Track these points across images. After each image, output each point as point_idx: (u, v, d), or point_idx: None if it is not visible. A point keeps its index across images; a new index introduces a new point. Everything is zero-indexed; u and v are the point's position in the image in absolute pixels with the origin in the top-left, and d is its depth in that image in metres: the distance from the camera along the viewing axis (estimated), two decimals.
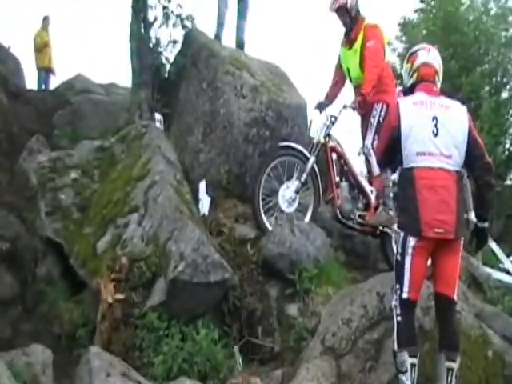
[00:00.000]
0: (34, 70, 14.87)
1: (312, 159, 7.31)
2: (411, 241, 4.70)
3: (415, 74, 5.24)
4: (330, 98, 7.87)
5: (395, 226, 6.52)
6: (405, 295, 4.71)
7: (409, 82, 5.32)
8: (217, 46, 9.21)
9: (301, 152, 7.41)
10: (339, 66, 7.85)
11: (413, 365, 4.59)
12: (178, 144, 8.37)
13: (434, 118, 4.85)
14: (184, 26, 9.85)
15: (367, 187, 7.47)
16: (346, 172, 7.55)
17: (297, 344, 6.04)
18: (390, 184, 6.76)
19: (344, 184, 7.45)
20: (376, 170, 7.03)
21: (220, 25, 9.78)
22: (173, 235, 6.20)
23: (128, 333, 5.69)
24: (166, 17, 9.82)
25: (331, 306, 5.83)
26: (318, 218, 7.67)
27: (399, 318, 4.72)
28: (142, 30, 9.75)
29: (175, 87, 9.31)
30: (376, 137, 7.25)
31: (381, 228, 7.38)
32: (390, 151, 5.01)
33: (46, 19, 15.18)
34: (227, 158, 8.07)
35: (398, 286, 4.77)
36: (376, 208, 7.18)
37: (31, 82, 14.43)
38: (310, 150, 7.37)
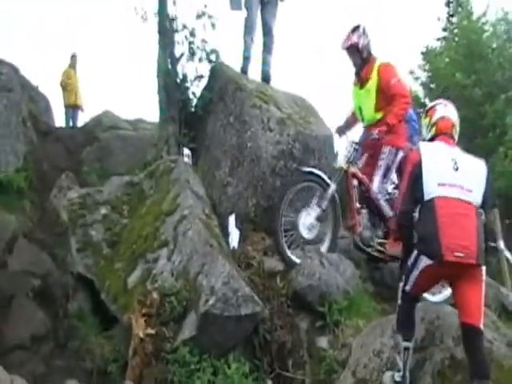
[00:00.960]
0: (62, 107, 15.20)
1: (333, 186, 7.27)
2: (425, 260, 4.88)
3: (434, 128, 5.52)
4: (350, 123, 8.00)
5: None
6: (407, 288, 5.11)
7: (428, 136, 5.57)
8: (243, 80, 9.30)
9: (322, 178, 7.39)
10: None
11: (406, 348, 5.00)
12: (205, 178, 8.47)
13: (453, 160, 5.09)
14: (210, 61, 9.97)
15: (388, 213, 7.39)
16: (367, 198, 7.49)
17: (328, 376, 6.05)
18: None
19: (364, 211, 7.45)
20: (388, 212, 7.29)
21: (246, 58, 9.85)
22: (203, 269, 6.28)
23: (159, 367, 5.76)
24: (192, 52, 9.96)
25: (362, 337, 5.86)
26: (336, 248, 7.63)
27: (400, 303, 5.19)
28: (169, 66, 9.90)
29: (202, 121, 9.41)
30: (384, 180, 7.40)
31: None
32: (413, 194, 5.14)
33: (73, 57, 15.55)
34: (255, 190, 8.11)
35: (403, 279, 5.17)
36: (397, 238, 6.95)
37: (60, 119, 14.74)
38: (330, 176, 7.35)
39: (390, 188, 7.48)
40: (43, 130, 10.46)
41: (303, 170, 7.65)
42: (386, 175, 7.40)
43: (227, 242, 7.15)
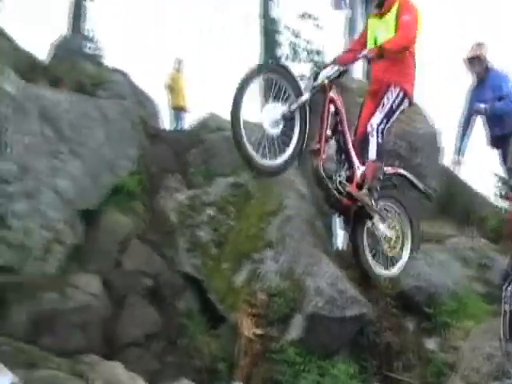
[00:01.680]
0: (168, 109, 15.58)
1: (306, 95, 6.25)
2: None
3: None
4: (339, 61, 6.83)
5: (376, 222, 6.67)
6: None
7: None
8: (347, 80, 9.29)
9: (296, 82, 6.36)
10: (362, 35, 7.23)
11: None
12: (309, 179, 8.47)
13: None
14: (313, 61, 10.00)
15: (356, 160, 6.66)
16: (339, 132, 6.65)
17: (436, 379, 5.98)
18: (381, 176, 6.67)
19: (333, 142, 6.65)
20: (373, 154, 6.62)
21: None
22: (308, 270, 6.32)
23: (266, 367, 5.85)
24: (295, 52, 10.02)
25: (472, 340, 5.75)
26: (295, 160, 6.62)
27: (507, 308, 4.94)
28: None
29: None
30: (385, 120, 6.71)
31: (359, 205, 6.58)
32: None
33: (179, 62, 15.92)
34: None
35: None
36: (357, 187, 6.53)
37: (166, 121, 15.09)
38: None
39: (386, 128, 6.76)
40: (152, 134, 10.72)
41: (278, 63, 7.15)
42: (387, 116, 6.73)
43: (332, 243, 7.14)
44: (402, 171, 7.16)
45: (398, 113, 6.87)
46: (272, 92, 6.29)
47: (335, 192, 6.48)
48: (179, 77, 15.68)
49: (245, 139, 6.05)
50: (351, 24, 9.61)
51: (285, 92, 6.29)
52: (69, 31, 13.71)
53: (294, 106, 6.19)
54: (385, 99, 6.75)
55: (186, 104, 15.59)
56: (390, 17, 6.79)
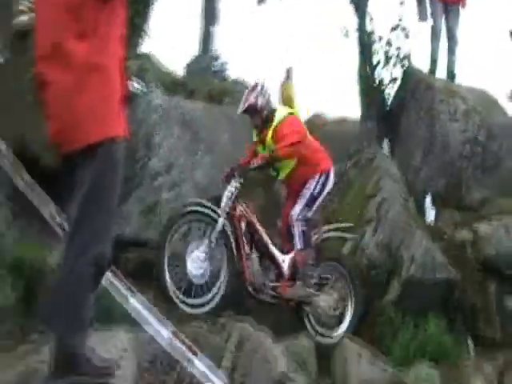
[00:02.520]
0: None
1: (220, 221, 5.45)
2: None
3: None
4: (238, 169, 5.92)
5: (314, 303, 5.67)
6: None
7: None
8: (431, 79, 9.16)
9: (208, 215, 5.58)
10: (254, 143, 6.26)
11: None
12: (401, 166, 8.35)
13: None
14: (402, 65, 9.82)
15: (279, 257, 5.75)
16: (257, 241, 5.74)
17: None
18: (312, 262, 5.71)
19: (254, 256, 5.69)
20: (300, 243, 5.68)
21: (433, 61, 9.72)
22: (403, 243, 6.23)
23: (369, 324, 5.81)
24: (387, 59, 9.86)
25: None
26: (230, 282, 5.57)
27: None
28: (368, 72, 9.89)
29: (397, 118, 9.29)
30: (306, 208, 5.77)
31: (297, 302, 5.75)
32: None
33: (288, 71, 15.81)
34: (445, 173, 7.95)
35: None
36: (289, 279, 5.67)
37: None
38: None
39: (309, 215, 5.85)
40: None
41: (187, 209, 5.72)
42: (308, 204, 5.81)
43: (422, 219, 6.99)
44: (324, 236, 6.07)
45: (324, 195, 5.95)
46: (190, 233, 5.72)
47: (270, 299, 5.63)
48: (288, 84, 15.62)
49: (167, 278, 5.32)
50: (433, 31, 9.50)
51: (204, 231, 5.58)
52: (199, 52, 13.95)
53: (213, 238, 5.41)
54: (304, 191, 5.84)
55: (295, 107, 15.53)
56: (268, 138, 5.88)
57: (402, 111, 9.23)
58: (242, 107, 6.04)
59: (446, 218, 7.32)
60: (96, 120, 2.99)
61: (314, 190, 5.81)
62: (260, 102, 5.92)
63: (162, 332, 3.75)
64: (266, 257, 5.75)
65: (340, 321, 5.77)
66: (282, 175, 6.00)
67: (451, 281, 5.83)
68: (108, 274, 4.05)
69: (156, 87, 7.67)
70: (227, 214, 5.55)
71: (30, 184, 4.76)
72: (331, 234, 6.16)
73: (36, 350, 3.58)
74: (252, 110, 5.97)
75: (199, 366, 3.67)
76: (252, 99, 5.93)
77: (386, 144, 8.44)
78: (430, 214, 6.98)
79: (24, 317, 4.25)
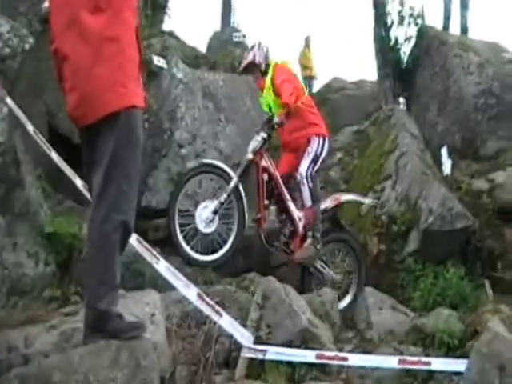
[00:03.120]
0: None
1: (235, 179, 5.46)
2: None
3: None
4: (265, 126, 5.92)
5: (318, 264, 5.61)
6: None
7: None
8: (445, 36, 9.00)
9: (224, 171, 5.64)
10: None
11: None
12: (418, 120, 8.21)
13: None
14: (416, 24, 9.61)
15: (295, 213, 5.66)
16: (276, 195, 5.70)
17: None
18: (320, 216, 5.60)
19: (273, 208, 5.66)
20: (308, 200, 5.59)
21: (446, 18, 9.51)
22: (421, 194, 6.13)
23: (391, 275, 5.82)
24: (401, 19, 9.67)
25: None
26: (239, 241, 5.64)
27: None
28: (383, 33, 9.72)
29: (412, 75, 9.17)
30: (312, 165, 5.64)
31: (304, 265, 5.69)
32: None
33: (307, 39, 15.63)
34: (460, 126, 7.73)
35: None
36: (302, 238, 5.61)
37: None
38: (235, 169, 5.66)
39: (314, 173, 5.72)
40: None
41: (203, 162, 5.94)
42: (314, 161, 5.67)
43: (440, 171, 6.87)
44: (343, 199, 5.99)
45: (323, 157, 5.78)
46: (203, 192, 5.75)
47: (284, 254, 5.66)
48: (308, 51, 15.43)
49: (178, 232, 5.39)
50: None
51: (218, 188, 5.66)
52: (221, 26, 13.86)
53: (224, 197, 5.43)
54: (308, 149, 5.70)
55: (314, 73, 15.35)
56: (267, 82, 5.90)
57: (417, 68, 9.10)
58: (242, 66, 6.18)
59: (463, 168, 7.16)
60: (113, 90, 2.97)
61: (317, 150, 5.70)
62: (258, 56, 5.96)
63: (188, 295, 3.79)
64: (283, 211, 5.71)
65: (343, 294, 5.63)
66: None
67: (469, 229, 5.70)
68: (134, 243, 4.12)
69: (178, 62, 7.62)
70: (251, 161, 5.57)
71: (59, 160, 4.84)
72: (350, 197, 6.08)
73: (76, 311, 3.65)
74: (252, 67, 6.03)
75: (224, 324, 3.72)
76: (250, 57, 6.01)
77: (402, 101, 8.30)
78: (447, 166, 6.84)
79: (63, 283, 4.35)
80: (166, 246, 5.97)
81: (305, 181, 5.59)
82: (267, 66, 5.95)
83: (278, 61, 6.01)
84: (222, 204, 5.46)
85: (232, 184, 5.47)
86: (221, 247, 5.50)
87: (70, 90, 3.05)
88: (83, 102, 2.99)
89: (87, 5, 2.94)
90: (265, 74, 5.95)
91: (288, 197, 5.68)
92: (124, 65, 3.01)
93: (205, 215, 5.44)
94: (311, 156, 5.68)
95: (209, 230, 5.46)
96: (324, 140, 5.75)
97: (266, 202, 5.61)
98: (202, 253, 5.43)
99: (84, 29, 2.94)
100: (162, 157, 6.80)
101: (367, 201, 6.22)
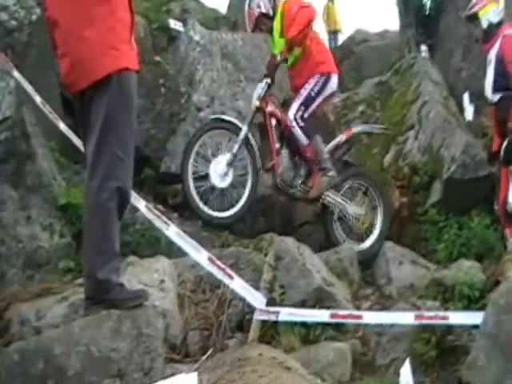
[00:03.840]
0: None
1: (244, 129, 5.33)
2: None
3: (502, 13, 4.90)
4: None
5: (338, 198, 5.37)
6: None
7: (496, 19, 4.91)
8: None
9: (232, 123, 5.51)
10: None
11: None
12: (441, 67, 7.77)
13: None
14: None
15: (304, 143, 5.41)
16: (287, 138, 5.50)
17: None
18: (323, 147, 5.34)
19: (285, 151, 5.48)
20: (303, 139, 5.33)
21: None
22: (444, 143, 5.84)
23: (414, 227, 5.59)
24: None
25: None
26: (256, 192, 5.50)
27: None
28: None
29: (435, 21, 8.66)
30: (302, 108, 5.35)
31: (322, 200, 5.41)
32: None
33: None
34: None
35: None
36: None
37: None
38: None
39: (306, 115, 5.40)
40: None
41: (211, 118, 5.84)
42: (305, 103, 5.38)
43: (464, 118, 6.51)
44: (354, 130, 5.80)
45: (321, 97, 5.47)
46: (214, 149, 5.49)
47: (301, 195, 5.45)
48: (331, 5, 14.92)
49: (193, 192, 5.25)
50: None
51: (228, 140, 5.46)
52: None
53: (235, 149, 5.29)
54: (302, 90, 5.45)
55: (338, 27, 14.87)
56: (277, 20, 5.56)
57: (440, 14, 8.59)
58: (250, 26, 5.94)
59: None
60: (105, 53, 2.83)
61: (312, 90, 5.41)
62: (263, 5, 5.67)
63: (199, 259, 3.67)
64: (296, 153, 5.52)
65: (368, 234, 5.44)
66: (289, 63, 5.68)
67: (493, 176, 5.39)
68: (143, 209, 4.00)
69: (195, 24, 7.39)
70: (258, 109, 5.43)
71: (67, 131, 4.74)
72: (360, 128, 5.94)
73: None
74: (261, 19, 5.73)
75: (235, 287, 3.59)
76: (256, 10, 5.71)
77: (424, 48, 7.87)
78: (469, 112, 6.46)
79: (79, 254, 4.28)
80: (186, 210, 5.89)
81: (294, 123, 5.36)
82: (275, 9, 5.63)
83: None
84: (235, 155, 5.33)
85: (242, 134, 5.32)
86: (237, 202, 5.36)
87: (62, 56, 2.93)
88: (75, 67, 2.86)
89: None
90: (272, 22, 5.64)
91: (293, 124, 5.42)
92: (115, 27, 2.87)
93: (219, 169, 5.31)
94: (302, 97, 5.41)
95: (224, 184, 5.34)
96: (328, 77, 5.45)
97: (278, 145, 5.45)
98: (219, 210, 5.31)
99: None
100: (180, 121, 6.64)
101: (376, 130, 6.05)
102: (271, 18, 5.68)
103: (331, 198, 5.44)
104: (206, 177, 5.35)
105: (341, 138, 5.68)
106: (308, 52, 5.50)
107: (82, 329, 2.73)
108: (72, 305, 3.27)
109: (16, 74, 4.59)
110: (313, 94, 5.42)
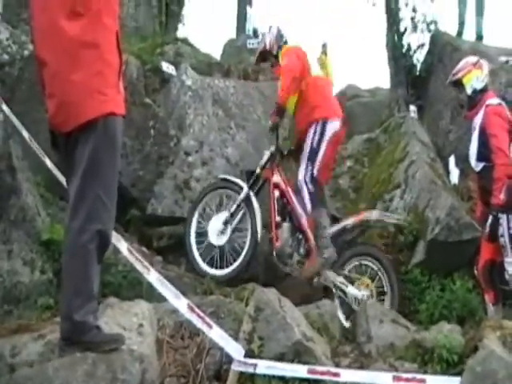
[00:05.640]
0: None
1: (245, 189, 5.46)
2: None
3: (486, 80, 5.11)
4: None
5: (339, 279, 5.22)
6: None
7: (479, 86, 5.08)
8: (459, 42, 8.82)
9: (236, 184, 5.66)
10: None
11: None
12: (430, 129, 8.06)
13: None
14: (429, 30, 9.47)
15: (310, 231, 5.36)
16: (289, 212, 5.45)
17: None
18: (325, 223, 5.29)
19: (286, 225, 5.40)
20: (308, 206, 5.31)
21: (461, 23, 9.36)
22: (429, 204, 5.95)
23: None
24: (414, 25, 9.54)
25: None
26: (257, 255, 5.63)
27: None
28: (396, 39, 9.58)
29: (425, 82, 9.01)
30: (309, 165, 5.33)
31: (318, 280, 5.36)
32: None
33: (324, 46, 15.48)
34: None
35: None
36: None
37: None
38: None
39: (315, 171, 5.37)
40: None
41: (217, 177, 6.03)
42: (311, 158, 5.35)
43: (449, 180, 6.69)
44: (364, 216, 5.56)
45: (325, 144, 5.40)
46: (217, 208, 5.70)
47: (295, 274, 5.39)
48: (324, 57, 15.29)
49: (193, 246, 5.49)
50: None
51: (228, 198, 5.67)
52: (236, 33, 13.82)
53: (233, 207, 5.43)
54: (304, 146, 5.43)
55: (331, 80, 15.19)
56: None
57: (430, 75, 8.93)
58: (255, 56, 6.18)
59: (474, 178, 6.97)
60: (91, 96, 2.93)
61: (312, 142, 5.38)
62: (268, 41, 5.91)
63: (178, 306, 3.69)
64: (298, 229, 5.44)
65: None
66: (290, 111, 5.73)
67: (477, 240, 5.50)
68: (125, 252, 4.04)
69: (187, 69, 7.57)
70: (258, 177, 5.55)
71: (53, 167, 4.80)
72: (374, 215, 5.66)
73: None
74: (265, 55, 5.98)
75: (215, 336, 3.60)
76: (261, 45, 6.02)
77: (413, 108, 8.13)
78: (454, 175, 6.65)
79: (58, 292, 4.29)
80: (170, 254, 5.93)
81: (304, 186, 5.37)
82: (280, 48, 5.84)
83: (289, 45, 5.86)
84: (232, 215, 5.45)
85: (242, 195, 5.47)
86: (235, 261, 5.42)
87: (50, 96, 3.01)
88: (62, 108, 2.94)
89: (65, 9, 2.90)
90: (277, 60, 5.82)
91: (302, 213, 5.37)
92: (103, 71, 2.96)
93: (217, 227, 5.49)
94: (307, 154, 5.38)
95: (221, 242, 5.46)
96: (324, 123, 5.39)
97: (278, 219, 5.39)
98: (217, 267, 5.42)
99: (61, 34, 2.89)
100: (168, 164, 6.75)
101: (387, 218, 5.70)
102: (275, 56, 5.87)
103: (329, 278, 5.32)
104: (206, 232, 5.55)
105: (348, 221, 5.55)
106: (304, 97, 5.53)
107: (56, 369, 2.75)
108: (48, 343, 3.27)
109: (4, 107, 4.67)
110: (314, 145, 5.38)
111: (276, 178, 5.53)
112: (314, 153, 5.38)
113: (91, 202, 2.87)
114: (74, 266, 2.87)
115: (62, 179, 4.69)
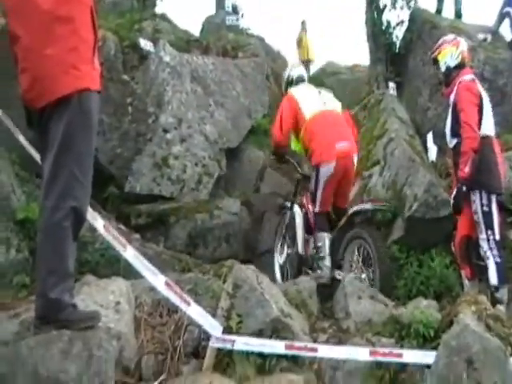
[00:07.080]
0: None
1: (287, 214, 5.99)
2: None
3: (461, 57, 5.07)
4: None
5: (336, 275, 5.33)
6: (497, 237, 4.63)
7: (454, 63, 5.06)
8: (438, 19, 8.80)
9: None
10: None
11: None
12: (409, 105, 8.06)
13: None
14: (409, 7, 9.42)
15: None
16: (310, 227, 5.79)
17: None
18: (324, 247, 5.39)
19: (312, 240, 5.73)
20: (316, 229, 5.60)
21: (440, 1, 9.33)
22: (407, 181, 5.95)
23: None
24: (394, 2, 9.48)
25: None
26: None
27: (498, 259, 4.63)
28: (375, 16, 9.52)
29: (404, 59, 9.01)
30: (311, 204, 5.63)
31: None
32: None
33: (303, 23, 15.44)
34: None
35: (489, 232, 4.66)
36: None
37: None
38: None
39: (316, 209, 5.58)
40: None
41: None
42: (312, 199, 5.61)
43: (427, 156, 6.70)
44: (358, 208, 5.59)
45: (321, 186, 5.46)
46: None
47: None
48: (305, 35, 15.23)
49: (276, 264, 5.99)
50: None
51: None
52: (215, 9, 13.64)
53: (282, 231, 6.07)
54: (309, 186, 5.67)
55: (311, 57, 15.15)
56: None
57: (409, 52, 8.91)
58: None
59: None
60: (66, 72, 2.86)
61: (311, 184, 5.57)
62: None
63: (156, 283, 3.66)
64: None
65: None
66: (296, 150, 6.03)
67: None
68: (101, 230, 3.98)
69: (166, 45, 7.46)
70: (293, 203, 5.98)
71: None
72: (363, 206, 5.69)
73: None
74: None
75: (193, 313, 3.59)
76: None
77: (392, 85, 8.11)
78: (432, 152, 6.64)
79: (34, 270, 4.24)
80: (148, 231, 5.89)
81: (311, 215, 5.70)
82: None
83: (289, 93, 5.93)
84: (283, 237, 6.04)
85: (285, 219, 6.04)
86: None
87: (22, 72, 2.93)
88: (35, 84, 2.87)
89: None
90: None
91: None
92: (78, 47, 2.89)
93: (277, 248, 6.07)
94: (308, 194, 5.70)
95: (281, 261, 5.99)
96: (317, 169, 5.43)
97: (306, 236, 5.80)
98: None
99: (35, 8, 2.81)
100: (146, 141, 6.68)
101: (378, 206, 5.77)
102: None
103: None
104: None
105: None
106: (302, 143, 5.68)
107: (31, 349, 2.71)
108: (24, 322, 3.23)
109: None
110: (312, 187, 5.55)
111: (304, 200, 5.93)
112: (312, 194, 5.59)
113: (65, 178, 2.81)
114: (49, 244, 2.81)
115: (37, 156, 4.62)
